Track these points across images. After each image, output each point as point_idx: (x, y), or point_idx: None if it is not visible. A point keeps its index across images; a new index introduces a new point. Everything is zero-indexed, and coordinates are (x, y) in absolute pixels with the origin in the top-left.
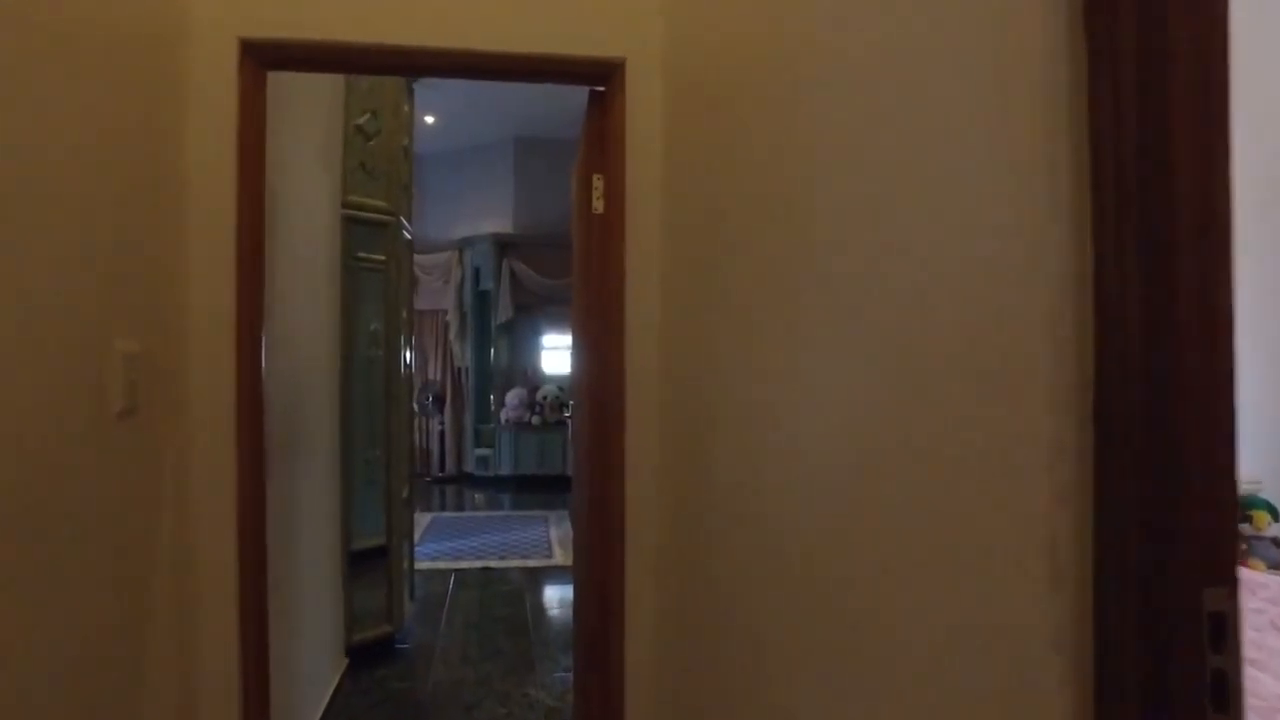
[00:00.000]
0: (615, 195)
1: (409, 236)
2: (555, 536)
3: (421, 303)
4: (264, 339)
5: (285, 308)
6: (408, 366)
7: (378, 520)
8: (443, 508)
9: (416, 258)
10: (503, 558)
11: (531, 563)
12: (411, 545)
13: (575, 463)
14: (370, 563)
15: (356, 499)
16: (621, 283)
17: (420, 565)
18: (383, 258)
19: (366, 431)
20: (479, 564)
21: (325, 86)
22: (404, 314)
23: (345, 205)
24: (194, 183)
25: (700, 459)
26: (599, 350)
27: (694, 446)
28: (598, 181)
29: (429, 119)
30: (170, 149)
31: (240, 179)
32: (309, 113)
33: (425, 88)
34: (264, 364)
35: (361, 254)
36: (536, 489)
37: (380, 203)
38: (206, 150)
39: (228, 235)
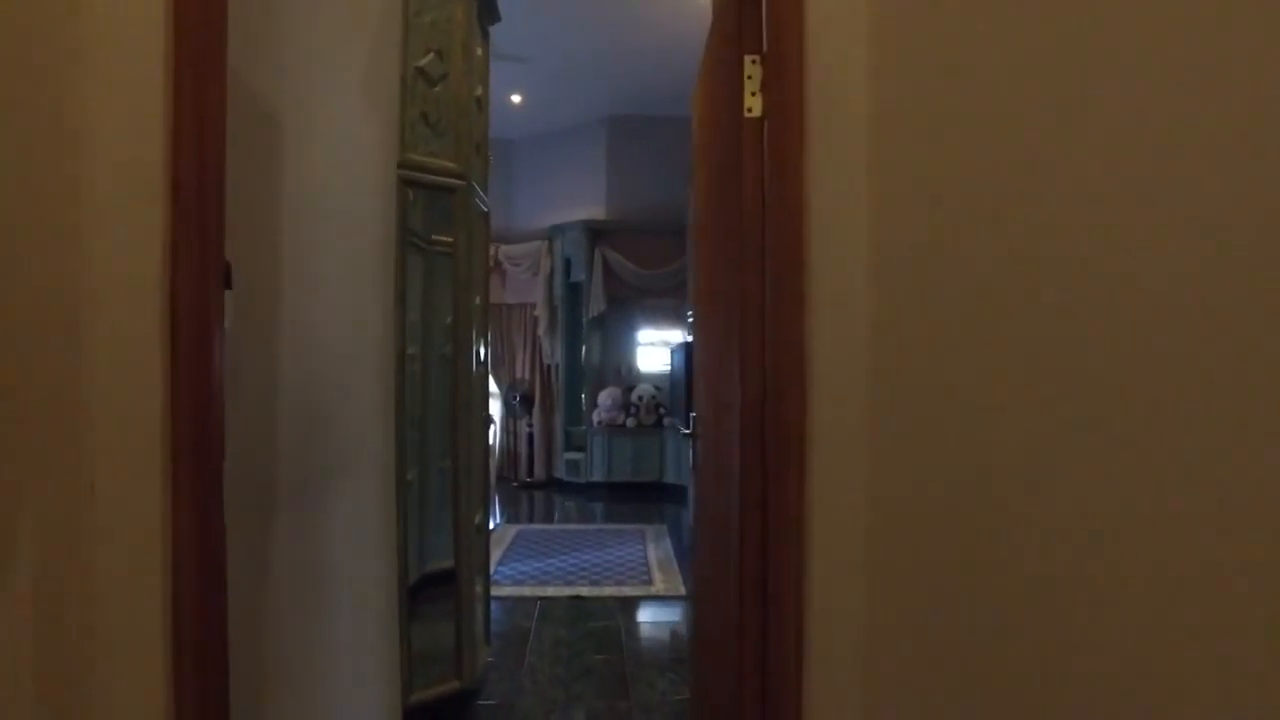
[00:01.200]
0: (786, 86)
1: (484, 209)
2: (654, 557)
3: (509, 295)
4: (228, 329)
5: (305, 289)
6: (481, 364)
7: (446, 542)
8: (530, 518)
9: (504, 248)
10: (595, 583)
11: (628, 589)
12: (486, 579)
13: (697, 502)
14: (436, 591)
15: (431, 516)
16: (799, 226)
17: (501, 591)
18: (449, 239)
19: (441, 440)
20: (568, 590)
21: (374, 10)
22: (477, 301)
23: (403, 165)
24: (94, 59)
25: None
26: (755, 333)
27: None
28: (752, 68)
29: (516, 98)
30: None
31: (176, 61)
32: (346, 36)
33: (511, 62)
34: (224, 363)
35: (423, 230)
36: (631, 497)
37: (447, 163)
38: (117, 9)
39: (151, 156)
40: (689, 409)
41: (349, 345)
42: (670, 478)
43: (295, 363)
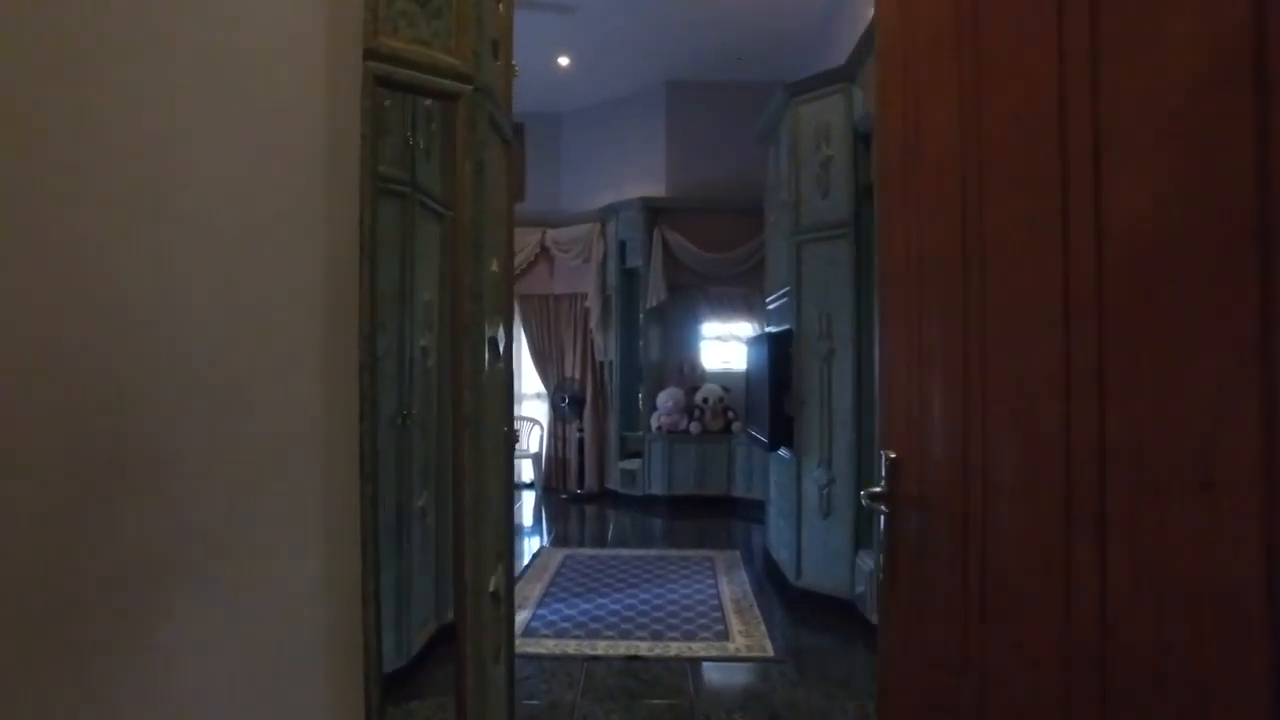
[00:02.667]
0: None
1: (503, 135)
2: (728, 595)
3: (557, 285)
4: None
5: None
6: (499, 357)
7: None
8: (580, 539)
9: (550, 233)
10: (656, 635)
11: (699, 647)
12: (510, 664)
13: (902, 638)
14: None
15: (401, 581)
16: None
17: (540, 646)
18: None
19: (420, 469)
20: (623, 646)
21: None
22: (493, 267)
23: (373, 56)
24: None
25: None
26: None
27: None
28: None
29: (563, 60)
30: None
31: None
32: None
33: (554, 12)
34: None
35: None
36: (695, 513)
37: (445, 57)
38: None
39: None
40: (776, 414)
41: (244, 340)
42: (740, 491)
43: (88, 356)
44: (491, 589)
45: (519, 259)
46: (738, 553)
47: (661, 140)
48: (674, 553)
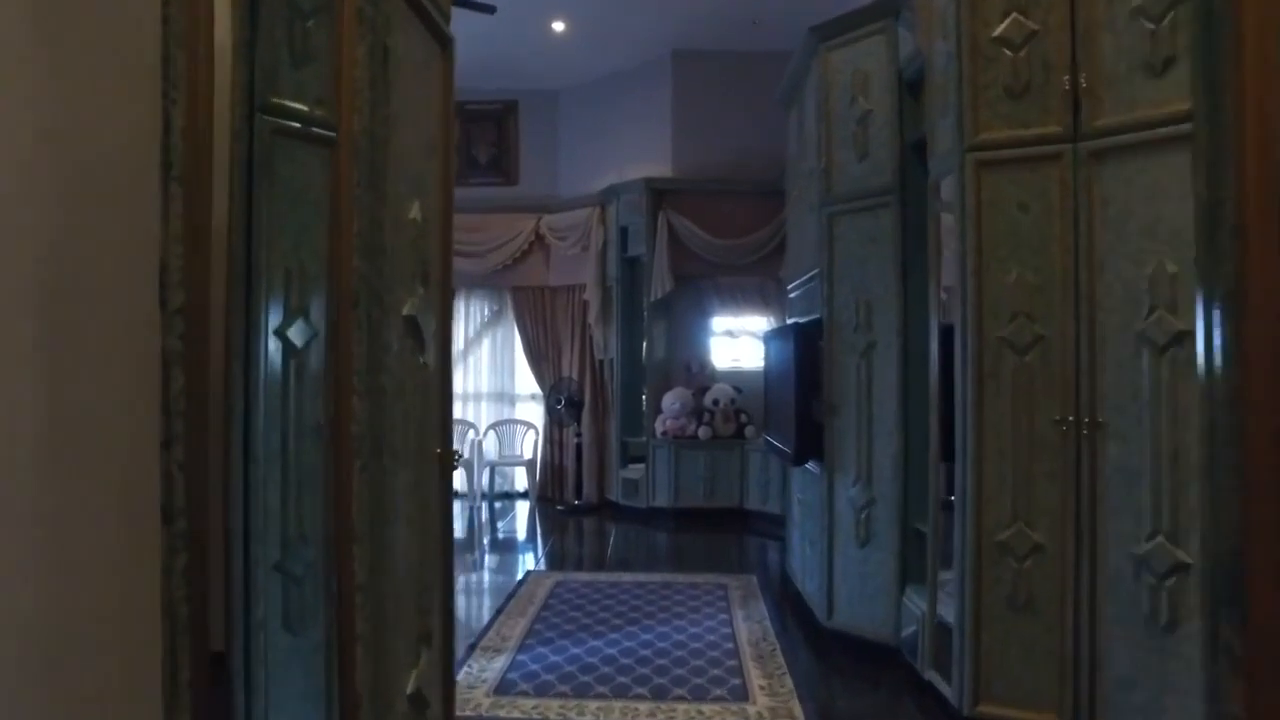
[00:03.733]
0: None
1: (436, 29)
2: (746, 636)
3: (553, 277)
4: None
5: None
6: (426, 353)
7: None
8: (575, 562)
9: (546, 219)
10: (660, 694)
11: (712, 711)
12: None
13: None
14: None
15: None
16: None
17: (516, 708)
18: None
19: (289, 516)
20: (617, 711)
21: None
22: (412, 214)
23: None
24: None
25: None
26: None
27: None
28: None
29: (557, 25)
30: None
31: None
32: None
33: None
34: None
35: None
36: (704, 527)
37: None
38: None
39: None
40: (802, 421)
41: None
42: (754, 503)
43: None
44: (410, 690)
45: (511, 248)
46: (754, 578)
47: (668, 116)
48: (681, 579)
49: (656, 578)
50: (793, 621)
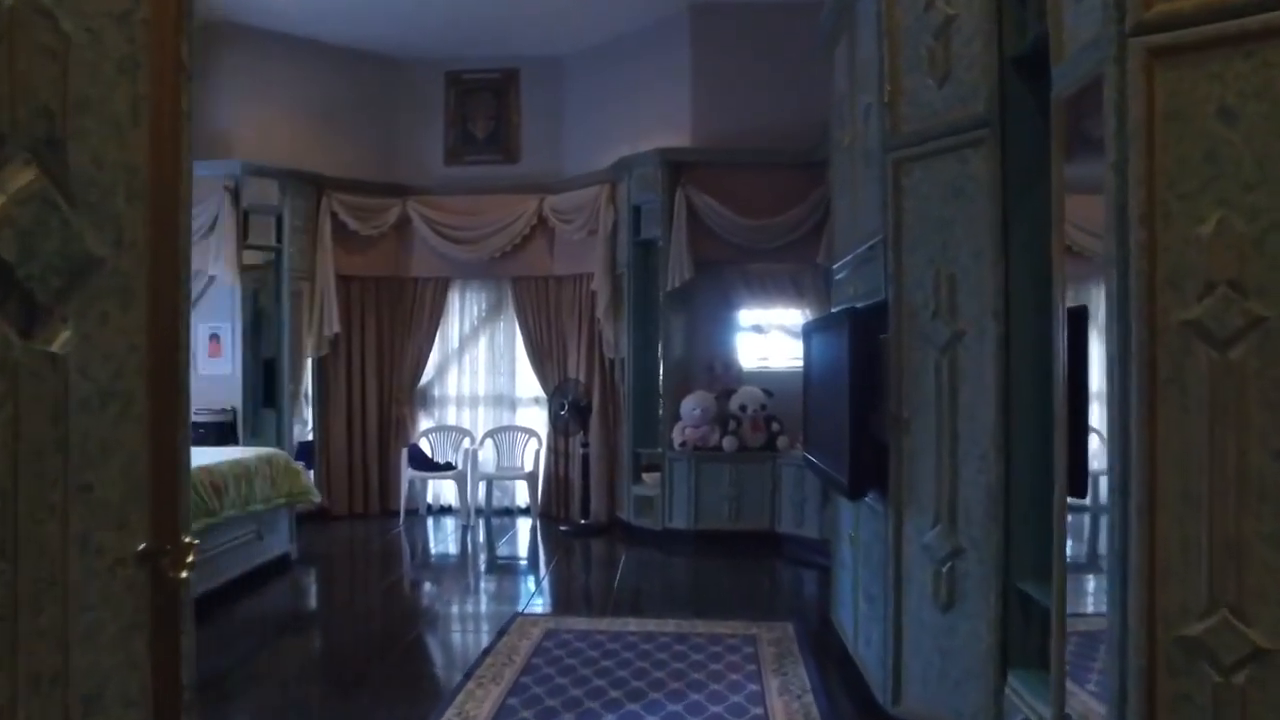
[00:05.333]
0: None
1: None
2: (783, 716)
3: (558, 265)
4: None
5: None
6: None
7: None
8: (572, 598)
9: (550, 200)
10: None
11: None
12: None
13: None
14: None
15: None
16: None
17: None
18: None
19: None
20: None
21: None
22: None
23: None
24: None
25: None
26: None
27: None
28: None
29: None
30: None
31: None
32: None
33: None
34: None
35: None
36: (728, 553)
37: None
38: None
39: None
40: (858, 438)
41: None
42: (787, 525)
43: None
44: None
45: (511, 233)
46: (790, 628)
47: (686, 80)
48: (700, 627)
49: (669, 626)
50: (844, 700)
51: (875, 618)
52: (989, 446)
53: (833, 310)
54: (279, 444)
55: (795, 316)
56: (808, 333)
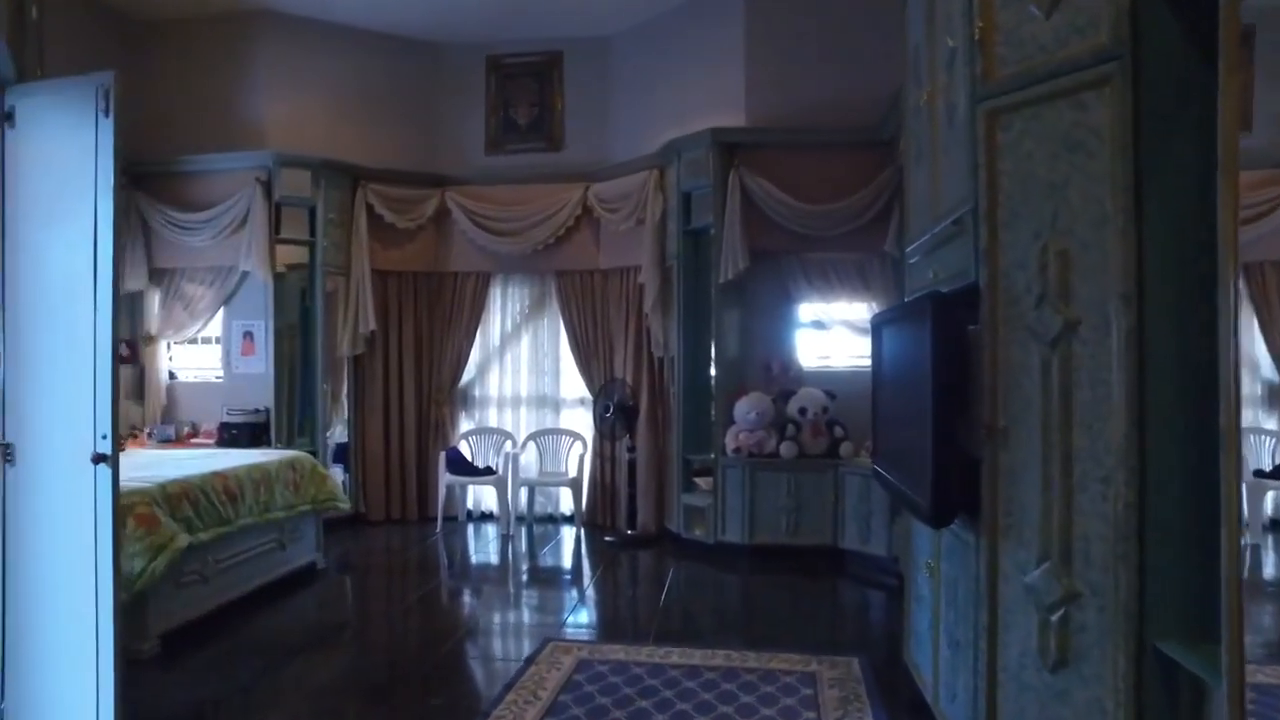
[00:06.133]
0: None
1: None
2: None
3: (604, 258)
4: None
5: None
6: None
7: None
8: (615, 624)
9: (594, 188)
10: None
11: None
12: None
13: None
14: None
15: None
16: None
17: None
18: None
19: None
20: None
21: None
22: None
23: None
24: None
25: None
26: None
27: None
28: None
29: None
30: None
31: None
32: None
33: None
34: None
35: None
36: (786, 568)
37: None
38: None
39: None
40: (943, 453)
41: None
42: (851, 541)
43: None
44: None
45: (554, 224)
46: (855, 664)
47: (739, 54)
48: (753, 661)
49: (717, 659)
50: None
51: (962, 668)
52: (1115, 466)
53: (915, 298)
54: (313, 446)
55: (860, 311)
56: (877, 326)
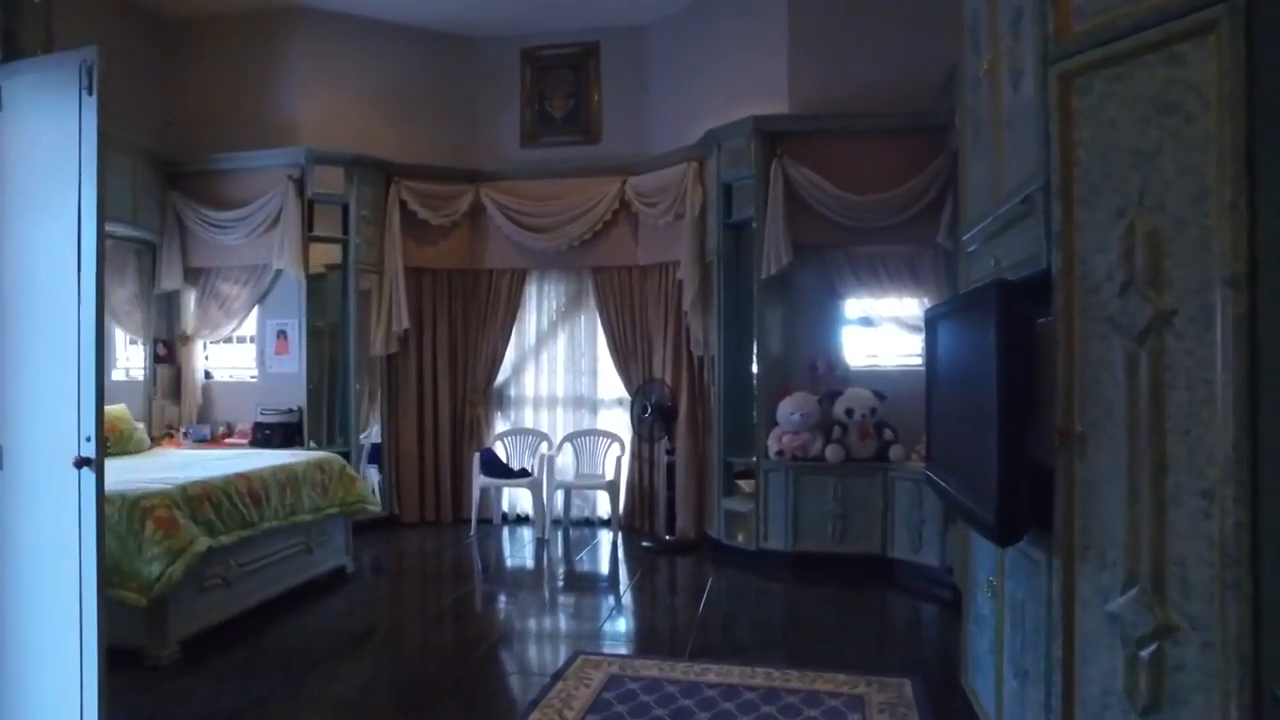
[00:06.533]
0: None
1: None
2: None
3: (643, 254)
4: None
5: None
6: None
7: None
8: (661, 641)
9: (632, 181)
10: None
11: None
12: None
13: None
14: None
15: None
16: None
17: None
18: None
19: None
20: None
21: None
22: None
23: None
24: None
25: None
26: None
27: None
28: None
29: None
30: None
31: None
32: None
33: None
34: None
35: None
36: (832, 578)
37: None
38: None
39: None
40: (1010, 462)
41: None
42: (901, 550)
43: None
44: None
45: (591, 219)
46: (907, 687)
47: (782, 37)
48: (796, 681)
49: (757, 678)
50: None
51: (1031, 703)
52: (1220, 480)
53: (978, 288)
54: (345, 446)
55: (911, 307)
56: (933, 320)
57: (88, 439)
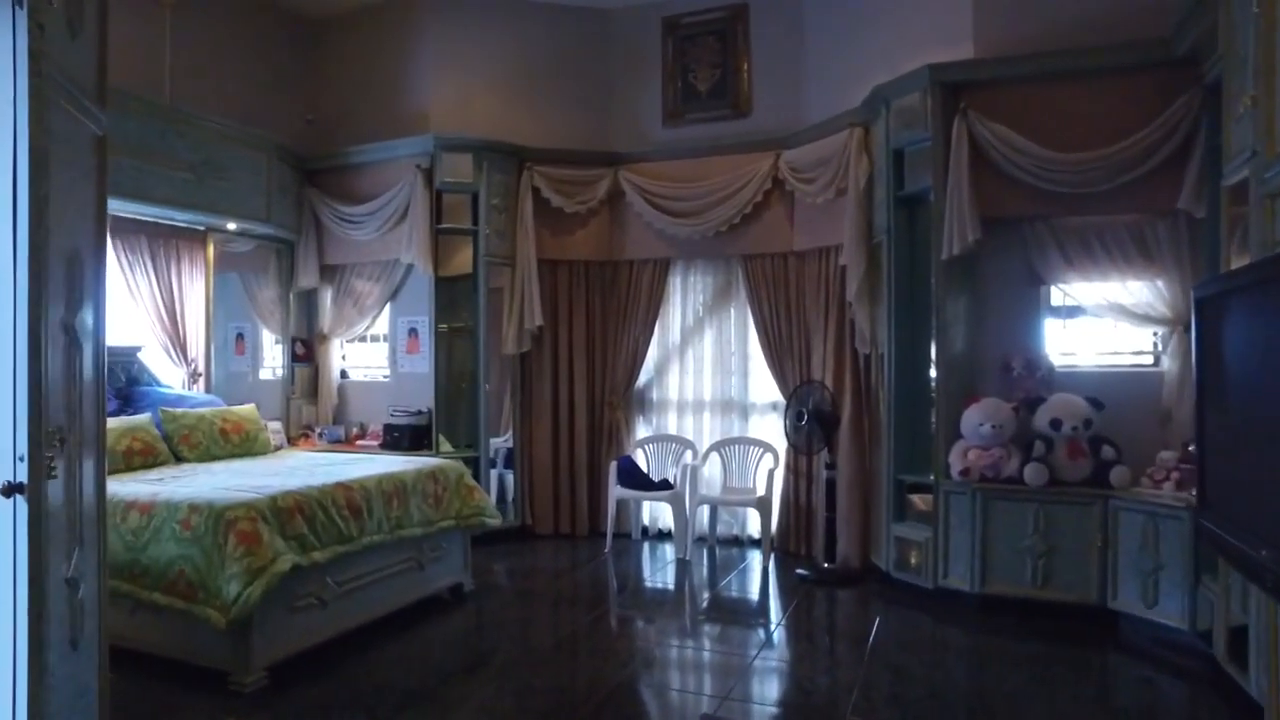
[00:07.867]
0: None
1: None
2: None
3: (800, 238)
4: None
5: None
6: None
7: None
8: (818, 710)
9: (786, 155)
10: None
11: None
12: None
13: None
14: None
15: None
16: None
17: None
18: None
19: None
20: None
21: None
22: None
23: None
24: None
25: None
26: None
27: None
28: None
29: None
30: None
31: None
32: None
33: None
34: None
35: None
36: (1032, 631)
37: None
38: None
39: None
40: None
41: None
42: (1129, 602)
43: None
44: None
45: (740, 200)
46: None
47: None
48: None
49: None
50: None
51: None
52: None
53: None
54: (475, 451)
55: (1139, 292)
56: (1207, 301)
57: (21, 459)
